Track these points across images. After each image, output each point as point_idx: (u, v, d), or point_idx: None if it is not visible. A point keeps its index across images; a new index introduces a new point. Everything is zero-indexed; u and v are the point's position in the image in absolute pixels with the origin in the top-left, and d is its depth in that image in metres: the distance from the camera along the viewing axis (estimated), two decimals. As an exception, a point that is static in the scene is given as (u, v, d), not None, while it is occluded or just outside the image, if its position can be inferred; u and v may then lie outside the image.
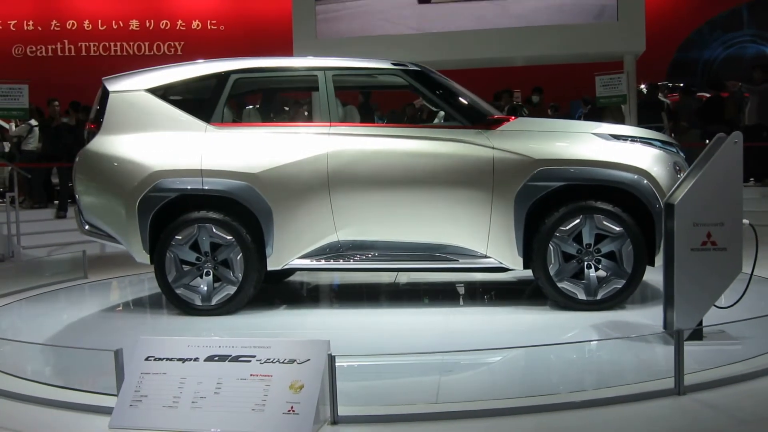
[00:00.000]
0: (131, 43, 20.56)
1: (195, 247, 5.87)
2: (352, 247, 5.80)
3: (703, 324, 4.61)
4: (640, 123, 12.63)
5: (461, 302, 6.51)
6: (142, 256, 5.91)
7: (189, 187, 5.81)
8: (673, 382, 3.83)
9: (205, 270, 5.88)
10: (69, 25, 20.45)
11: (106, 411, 3.68)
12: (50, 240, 10.75)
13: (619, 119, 13.13)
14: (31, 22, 20.40)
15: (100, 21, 20.51)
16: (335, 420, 3.55)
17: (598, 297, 5.63)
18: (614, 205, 5.58)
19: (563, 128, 5.92)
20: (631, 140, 5.73)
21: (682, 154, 5.91)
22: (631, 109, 13.60)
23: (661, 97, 14.81)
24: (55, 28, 20.41)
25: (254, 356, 3.66)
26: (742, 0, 19.71)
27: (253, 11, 20.63)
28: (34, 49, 20.38)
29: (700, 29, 19.96)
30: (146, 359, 3.75)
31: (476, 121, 5.83)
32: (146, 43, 20.61)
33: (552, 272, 5.64)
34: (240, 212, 5.82)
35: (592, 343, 4.89)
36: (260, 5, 20.55)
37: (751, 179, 11.54)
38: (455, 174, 5.67)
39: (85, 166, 6.07)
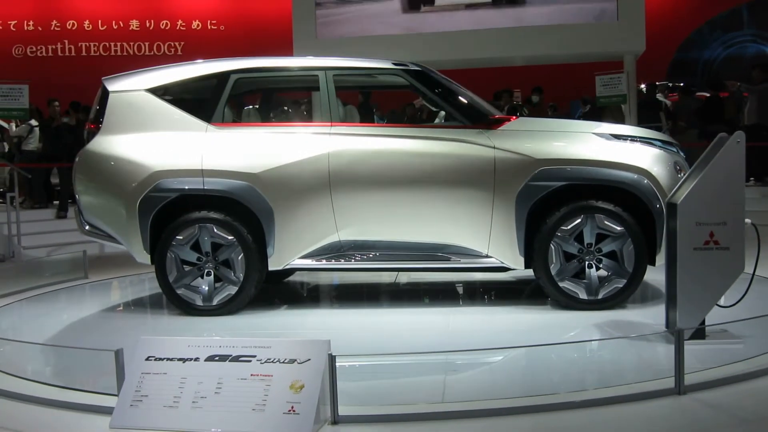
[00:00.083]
0: (131, 43, 20.55)
1: (196, 247, 5.87)
2: (353, 247, 5.80)
3: (705, 323, 4.62)
4: (639, 123, 12.64)
5: (462, 302, 6.51)
6: (143, 257, 5.90)
7: (190, 187, 5.81)
8: (673, 382, 3.83)
9: (206, 270, 5.88)
10: (69, 25, 20.45)
11: (107, 411, 3.68)
12: (51, 240, 10.75)
13: (619, 119, 13.13)
14: (31, 23, 20.40)
15: (100, 21, 20.51)
16: (336, 420, 3.55)
17: (600, 296, 5.64)
18: (615, 204, 5.59)
19: (564, 128, 5.92)
20: (632, 140, 5.73)
21: (682, 153, 5.92)
22: (631, 109, 13.61)
23: (660, 97, 14.81)
24: (56, 29, 20.41)
25: (255, 356, 3.66)
26: (742, 0, 19.70)
27: (253, 11, 20.62)
28: (34, 49, 20.38)
29: (700, 29, 19.95)
30: (147, 359, 3.75)
31: (477, 120, 5.83)
32: (146, 43, 20.61)
33: (553, 272, 5.64)
34: (241, 212, 5.82)
35: (593, 342, 4.89)
36: (260, 5, 20.55)
37: (752, 179, 11.54)
38: (456, 174, 5.67)
39: (85, 167, 6.07)
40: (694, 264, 4.51)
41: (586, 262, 5.64)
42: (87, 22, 20.47)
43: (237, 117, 6.63)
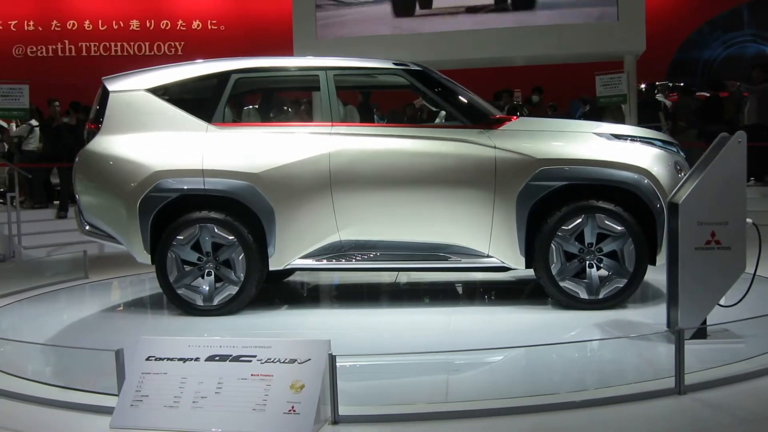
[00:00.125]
0: (132, 44, 20.54)
1: (196, 247, 5.87)
2: (354, 247, 5.80)
3: (707, 323, 4.62)
4: (638, 123, 12.64)
5: (462, 302, 6.51)
6: (143, 257, 5.90)
7: (190, 187, 5.80)
8: (674, 382, 3.83)
9: (206, 270, 5.88)
10: (69, 25, 20.44)
11: (107, 411, 3.68)
12: (51, 240, 10.75)
13: (619, 119, 13.14)
14: (31, 23, 20.39)
15: (100, 21, 20.50)
16: (336, 420, 3.55)
17: (600, 296, 5.64)
18: (616, 204, 5.59)
19: (565, 128, 5.92)
20: (632, 140, 5.74)
21: (682, 153, 5.92)
22: (631, 109, 13.61)
23: (660, 97, 14.82)
24: (56, 29, 20.40)
25: (255, 356, 3.66)
26: (742, 0, 19.69)
27: (253, 11, 20.62)
28: (34, 49, 20.37)
29: (701, 29, 19.94)
30: (147, 359, 3.75)
31: (478, 120, 5.83)
32: (147, 43, 20.60)
33: (554, 271, 5.65)
34: (241, 212, 5.82)
35: (594, 342, 4.89)
36: (260, 5, 20.54)
37: (752, 179, 11.54)
38: (457, 174, 5.68)
39: (85, 167, 6.06)
40: (696, 264, 4.51)
41: (587, 262, 5.64)
42: (87, 22, 20.46)
43: (237, 117, 6.63)
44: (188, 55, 18.32)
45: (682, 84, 16.42)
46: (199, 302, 5.89)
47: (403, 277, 7.38)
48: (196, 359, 3.71)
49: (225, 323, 5.72)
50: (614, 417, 3.59)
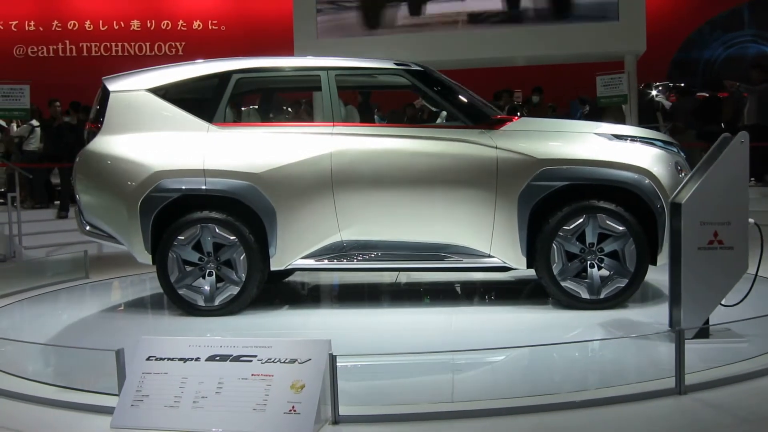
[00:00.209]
0: (132, 44, 20.54)
1: (198, 247, 5.86)
2: (355, 247, 5.79)
3: (709, 322, 4.63)
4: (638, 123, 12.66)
5: (463, 302, 6.51)
6: (144, 257, 5.90)
7: (192, 187, 5.80)
8: (674, 382, 3.83)
9: (207, 270, 5.87)
10: (70, 25, 20.44)
11: (108, 411, 3.68)
12: (51, 240, 10.76)
13: (620, 119, 13.14)
14: (32, 23, 20.39)
15: (101, 21, 20.50)
16: (336, 420, 3.55)
17: (601, 296, 5.64)
18: (617, 204, 5.59)
19: (566, 128, 5.92)
20: (633, 140, 5.74)
21: (682, 154, 5.92)
22: (632, 109, 13.61)
23: (660, 97, 14.82)
24: (57, 29, 20.40)
25: (255, 356, 3.66)
26: (742, 0, 19.69)
27: (254, 12, 20.61)
28: (35, 49, 20.37)
29: (701, 29, 19.93)
30: (147, 359, 3.75)
31: (479, 120, 5.83)
32: (147, 44, 20.60)
33: (555, 271, 5.65)
34: (243, 212, 5.82)
35: (595, 342, 4.90)
36: (261, 6, 20.54)
37: (752, 179, 11.54)
38: (459, 174, 5.68)
39: (85, 167, 6.06)
40: (699, 263, 4.52)
41: (588, 262, 5.65)
42: (88, 22, 20.46)
43: (238, 117, 6.63)
44: (189, 55, 18.32)
45: (679, 84, 16.42)
46: (201, 302, 5.88)
47: (404, 277, 7.38)
48: (197, 359, 3.71)
49: (225, 323, 5.72)
50: (615, 417, 3.59)
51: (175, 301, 5.94)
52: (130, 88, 6.06)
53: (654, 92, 15.52)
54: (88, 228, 6.14)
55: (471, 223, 5.67)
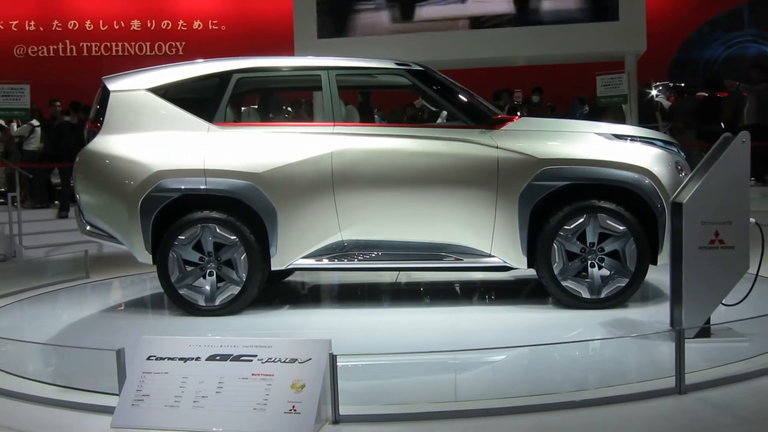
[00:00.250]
0: (132, 44, 20.54)
1: (198, 247, 5.86)
2: (356, 247, 5.79)
3: (710, 322, 4.64)
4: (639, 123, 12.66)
5: (463, 301, 6.50)
6: (145, 257, 5.89)
7: (192, 187, 5.80)
8: (674, 381, 3.83)
9: (208, 270, 5.87)
10: (70, 25, 20.44)
11: (108, 410, 3.68)
12: (52, 240, 10.76)
13: (620, 119, 13.14)
14: (32, 23, 20.39)
15: (101, 21, 20.50)
16: (337, 419, 3.55)
17: (602, 295, 5.65)
18: (617, 204, 5.59)
19: (566, 128, 5.92)
20: (633, 140, 5.74)
21: (682, 153, 5.93)
22: (632, 109, 13.61)
23: (659, 97, 14.82)
24: (57, 29, 20.40)
25: (255, 356, 3.66)
26: (742, 0, 19.68)
27: (254, 11, 20.61)
28: (35, 49, 20.37)
29: (701, 29, 19.92)
30: (148, 359, 3.75)
31: (480, 120, 5.83)
32: (147, 44, 20.60)
33: (556, 271, 5.65)
34: (243, 212, 5.81)
35: (595, 341, 4.90)
36: (261, 5, 20.54)
37: (752, 179, 11.53)
38: (460, 173, 5.68)
39: (85, 166, 6.05)
40: (700, 263, 4.53)
41: (589, 262, 5.65)
42: (88, 22, 20.46)
43: (238, 117, 6.63)
44: (189, 55, 18.32)
45: (679, 84, 16.41)
46: (201, 302, 5.88)
47: (404, 277, 7.38)
48: (197, 359, 3.71)
49: (226, 323, 5.72)
50: (615, 416, 3.59)
51: (175, 301, 5.94)
52: (131, 88, 6.06)
53: (654, 92, 15.51)
54: (88, 228, 6.13)
55: (472, 222, 5.67)
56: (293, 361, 3.60)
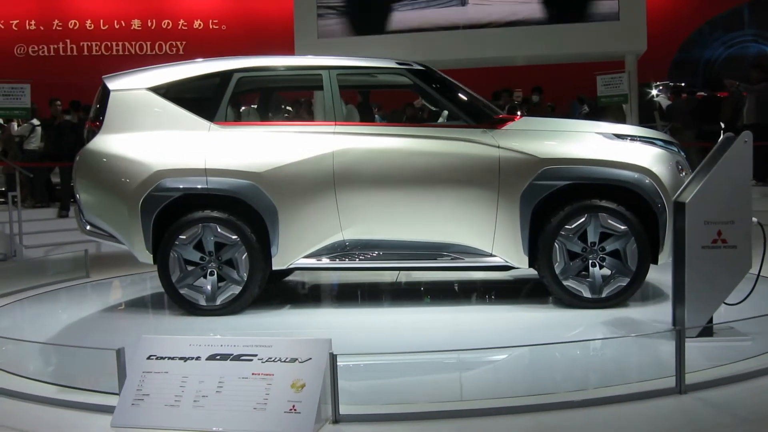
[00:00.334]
0: (133, 43, 20.57)
1: (199, 246, 5.85)
2: (357, 247, 5.78)
3: (713, 321, 4.65)
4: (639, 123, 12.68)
5: (464, 301, 6.50)
6: (145, 256, 5.88)
7: (193, 187, 5.79)
8: (674, 381, 3.83)
9: (209, 270, 5.86)
10: (71, 24, 20.47)
11: (108, 410, 3.68)
12: (52, 239, 10.76)
13: (620, 119, 13.15)
14: (33, 22, 20.41)
15: (102, 20, 20.52)
16: (337, 419, 3.55)
17: (603, 295, 5.65)
18: (618, 203, 5.59)
19: (567, 128, 5.92)
20: (633, 140, 5.74)
21: (683, 153, 5.93)
22: (632, 109, 13.62)
23: (662, 97, 14.83)
24: (57, 28, 20.43)
25: (256, 355, 3.66)
26: (742, 0, 19.69)
27: (254, 11, 20.64)
28: (36, 48, 20.39)
29: (701, 29, 19.93)
30: (148, 358, 3.75)
31: (481, 120, 5.83)
32: (148, 43, 20.62)
33: (557, 270, 5.65)
34: (244, 211, 5.81)
35: (596, 341, 4.90)
36: (262, 5, 20.57)
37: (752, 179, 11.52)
38: (461, 173, 5.67)
39: (86, 166, 6.03)
40: (702, 262, 4.54)
41: (590, 261, 5.65)
42: (89, 21, 20.49)
43: (239, 116, 6.62)
44: (189, 54, 18.31)
45: (676, 84, 16.41)
46: (202, 302, 5.87)
47: (404, 277, 7.38)
48: (197, 358, 3.71)
49: (226, 322, 5.71)
50: (615, 416, 3.59)
51: (176, 300, 5.93)
52: (131, 87, 6.05)
53: (655, 92, 15.53)
54: (88, 227, 6.12)
55: (473, 222, 5.67)
56: (293, 360, 3.59)
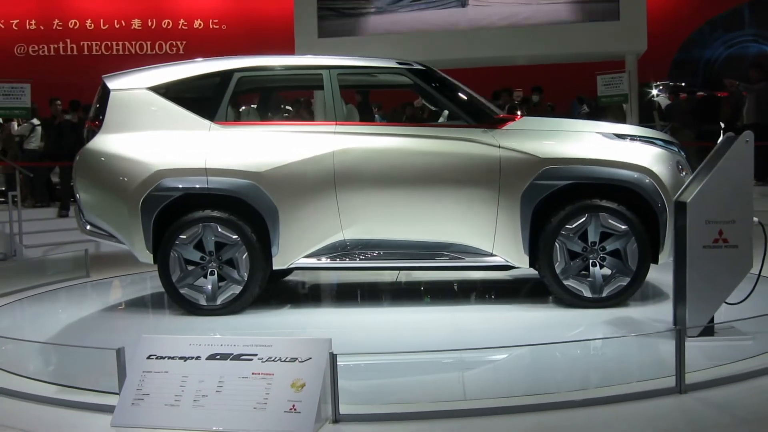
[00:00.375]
0: (133, 43, 20.57)
1: (199, 246, 5.85)
2: (358, 246, 5.78)
3: (714, 321, 4.65)
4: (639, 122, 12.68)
5: (464, 300, 6.50)
6: (145, 256, 5.87)
7: (193, 186, 5.78)
8: (674, 381, 3.83)
9: (209, 269, 5.86)
10: (71, 24, 20.47)
11: (109, 409, 3.68)
12: (52, 239, 10.77)
13: (621, 118, 13.15)
14: (33, 22, 20.42)
15: (102, 20, 20.52)
16: (337, 418, 3.54)
17: (604, 294, 5.65)
18: (619, 203, 5.59)
19: (568, 127, 5.91)
20: (633, 139, 5.74)
21: (683, 153, 5.93)
22: (633, 109, 13.62)
23: (662, 97, 14.83)
24: (57, 28, 20.43)
25: (256, 355, 3.66)
26: (742, 0, 19.69)
27: (254, 10, 20.64)
28: (36, 48, 20.40)
29: (701, 29, 19.93)
30: (148, 358, 3.74)
31: (482, 119, 5.83)
32: (148, 43, 20.62)
33: (558, 270, 5.65)
34: (245, 211, 5.80)
35: (597, 340, 4.89)
36: (262, 4, 20.57)
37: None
38: (462, 173, 5.67)
39: (86, 165, 6.02)
40: (704, 262, 4.54)
41: (590, 261, 5.65)
42: (89, 21, 20.49)
43: (239, 116, 6.62)
44: (190, 54, 18.31)
45: (677, 84, 16.41)
46: (203, 302, 5.87)
47: (404, 276, 7.38)
48: (197, 358, 3.71)
49: (226, 322, 5.71)
50: (615, 416, 3.58)
51: (177, 300, 5.92)
52: (131, 87, 6.04)
53: (655, 91, 15.52)
54: (88, 227, 6.10)
55: (474, 222, 5.67)
56: (293, 360, 3.59)
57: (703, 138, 12.35)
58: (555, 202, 5.65)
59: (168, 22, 20.68)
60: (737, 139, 4.54)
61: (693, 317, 4.55)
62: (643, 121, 12.91)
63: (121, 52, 20.48)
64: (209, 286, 5.86)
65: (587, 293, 5.66)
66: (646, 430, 3.48)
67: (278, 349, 3.66)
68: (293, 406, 3.44)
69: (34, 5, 20.42)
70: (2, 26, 20.39)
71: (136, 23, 20.57)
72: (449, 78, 6.17)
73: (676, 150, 5.84)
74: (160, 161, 5.79)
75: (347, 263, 5.81)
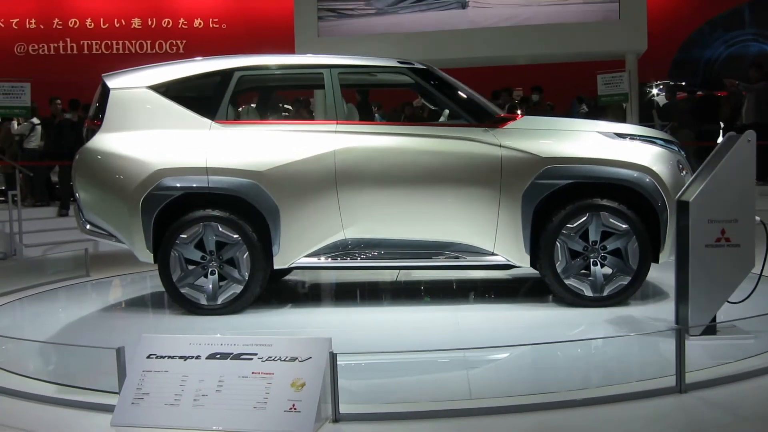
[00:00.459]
0: (133, 42, 20.56)
1: (200, 245, 5.83)
2: (359, 246, 5.77)
3: (716, 320, 4.65)
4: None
5: (465, 300, 6.50)
6: (146, 255, 5.86)
7: (194, 185, 5.77)
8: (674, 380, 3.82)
9: (210, 269, 5.85)
10: (71, 23, 20.46)
11: (108, 409, 3.67)
12: (52, 238, 10.76)
13: (621, 118, 13.15)
14: (33, 21, 20.41)
15: (102, 19, 20.51)
16: (337, 418, 3.54)
17: (604, 293, 5.65)
18: (619, 202, 5.59)
19: (569, 127, 5.91)
20: (634, 138, 5.74)
21: (683, 152, 5.92)
22: (633, 108, 13.62)
23: (662, 97, 14.83)
24: (57, 27, 20.42)
25: (256, 354, 3.65)
26: (743, 0, 19.68)
27: (255, 9, 20.63)
28: (36, 47, 20.39)
29: (702, 28, 19.93)
30: (148, 357, 3.74)
31: (483, 119, 5.82)
32: (148, 42, 20.61)
33: (559, 269, 5.65)
34: (246, 210, 5.79)
35: (597, 339, 4.89)
36: (262, 4, 20.56)
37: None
38: (463, 172, 5.67)
39: (85, 165, 6.00)
40: (706, 261, 4.55)
41: (591, 260, 5.64)
42: (89, 20, 20.48)
43: (239, 115, 6.61)
44: (190, 53, 18.18)
45: (677, 83, 16.41)
46: (203, 301, 5.86)
47: (404, 276, 7.37)
48: (197, 357, 3.70)
49: (226, 321, 5.71)
50: (615, 415, 3.58)
51: (177, 300, 5.91)
52: (131, 85, 6.02)
53: (655, 91, 15.52)
54: (88, 226, 6.08)
55: (475, 221, 5.66)
56: (293, 359, 3.59)
57: (703, 138, 12.35)
58: (556, 201, 5.64)
59: (168, 21, 20.66)
60: (739, 139, 4.53)
61: (695, 316, 4.55)
62: (643, 120, 12.91)
63: (121, 51, 20.47)
64: (210, 286, 5.85)
65: (588, 292, 5.66)
66: (647, 429, 3.47)
67: (278, 348, 3.65)
68: (293, 405, 3.44)
69: (34, 4, 20.41)
70: (2, 25, 20.38)
71: (136, 22, 20.56)
72: (450, 77, 6.16)
73: (677, 149, 5.84)
74: (161, 160, 5.78)
75: (348, 262, 5.81)
